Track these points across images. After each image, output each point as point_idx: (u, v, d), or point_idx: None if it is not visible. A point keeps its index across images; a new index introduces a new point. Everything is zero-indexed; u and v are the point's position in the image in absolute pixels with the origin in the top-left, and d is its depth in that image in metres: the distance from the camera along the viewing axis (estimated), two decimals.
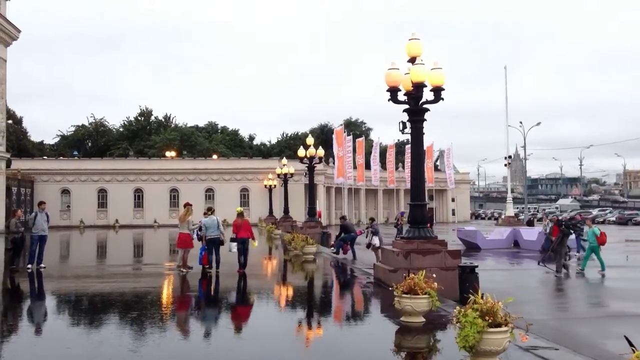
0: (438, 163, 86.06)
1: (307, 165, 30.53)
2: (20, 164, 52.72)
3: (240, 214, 16.40)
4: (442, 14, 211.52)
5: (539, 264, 18.62)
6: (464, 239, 28.52)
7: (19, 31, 42.75)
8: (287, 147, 78.68)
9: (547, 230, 25.39)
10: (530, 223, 36.60)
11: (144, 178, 56.83)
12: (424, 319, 8.58)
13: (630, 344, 4.92)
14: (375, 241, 21.47)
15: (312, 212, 31.43)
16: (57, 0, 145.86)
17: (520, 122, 62.16)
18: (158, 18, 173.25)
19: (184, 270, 15.56)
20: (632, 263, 22.20)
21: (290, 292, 13.90)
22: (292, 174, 41.94)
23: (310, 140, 30.83)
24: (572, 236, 21.55)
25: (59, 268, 19.04)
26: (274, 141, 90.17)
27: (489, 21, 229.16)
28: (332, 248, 22.59)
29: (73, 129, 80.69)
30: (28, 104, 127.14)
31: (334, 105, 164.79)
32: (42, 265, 16.69)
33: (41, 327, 9.80)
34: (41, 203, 17.94)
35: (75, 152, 72.36)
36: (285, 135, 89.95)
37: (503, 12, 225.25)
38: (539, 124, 64.49)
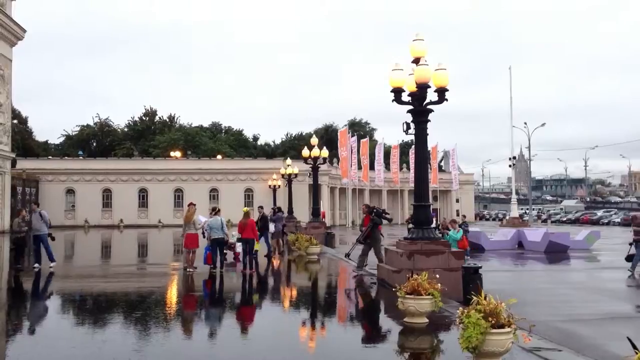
0: (442, 164, 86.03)
1: (311, 165, 30.52)
2: (26, 164, 52.89)
3: (245, 214, 16.43)
4: (444, 13, 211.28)
5: (346, 256, 18.40)
6: (468, 240, 28.43)
7: (25, 31, 42.87)
8: (292, 147, 78.78)
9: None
10: None
11: (149, 178, 56.96)
12: (427, 320, 8.58)
13: (634, 346, 4.92)
14: (271, 228, 21.52)
15: (316, 212, 31.41)
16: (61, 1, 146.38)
17: (525, 123, 62.15)
18: (160, 19, 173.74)
19: (190, 270, 15.61)
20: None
21: (294, 292, 13.91)
22: (296, 175, 41.90)
23: (314, 140, 30.82)
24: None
25: (63, 268, 19.07)
26: (278, 141, 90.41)
27: (492, 21, 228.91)
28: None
29: (78, 128, 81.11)
30: (33, 103, 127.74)
31: (338, 106, 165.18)
32: (51, 264, 16.78)
33: (46, 326, 9.83)
34: (32, 204, 18.08)
35: (80, 152, 72.61)
36: (289, 136, 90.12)
37: (506, 13, 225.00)
38: (543, 124, 64.43)
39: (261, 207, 22.44)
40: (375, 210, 16.15)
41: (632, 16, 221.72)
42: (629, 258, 17.68)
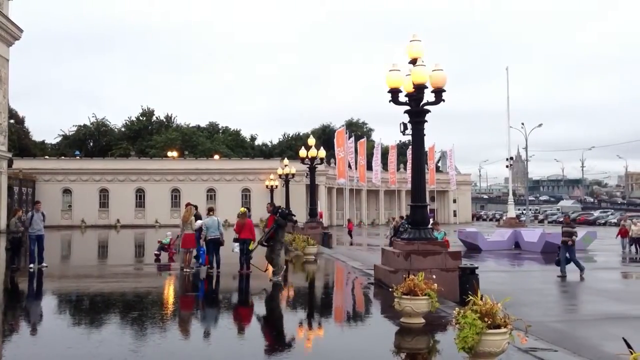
0: (440, 164, 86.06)
1: (308, 165, 30.53)
2: (22, 164, 52.77)
3: (242, 214, 16.39)
4: (443, 14, 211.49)
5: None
6: (465, 240, 28.52)
7: (22, 31, 42.78)
8: (289, 147, 78.70)
9: (389, 234, 25.25)
10: None
11: (146, 178, 56.87)
12: (423, 320, 8.60)
13: (629, 346, 4.94)
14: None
15: (313, 212, 31.45)
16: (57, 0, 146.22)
17: (522, 124, 62.26)
18: (159, 18, 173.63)
19: (187, 270, 15.60)
20: (631, 265, 22.18)
21: (291, 292, 13.91)
22: (293, 175, 41.94)
23: (311, 140, 30.84)
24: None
25: (60, 268, 19.07)
26: (275, 142, 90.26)
27: (490, 21, 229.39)
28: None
29: (75, 128, 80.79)
30: (30, 103, 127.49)
31: (336, 106, 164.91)
32: (44, 264, 16.78)
33: (42, 326, 9.82)
34: (36, 203, 18.19)
35: (77, 152, 72.39)
36: (286, 136, 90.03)
37: (504, 13, 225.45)
38: (540, 125, 64.63)
39: (195, 207, 20.21)
40: (280, 211, 15.44)
41: (631, 16, 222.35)
42: (559, 262, 16.98)
